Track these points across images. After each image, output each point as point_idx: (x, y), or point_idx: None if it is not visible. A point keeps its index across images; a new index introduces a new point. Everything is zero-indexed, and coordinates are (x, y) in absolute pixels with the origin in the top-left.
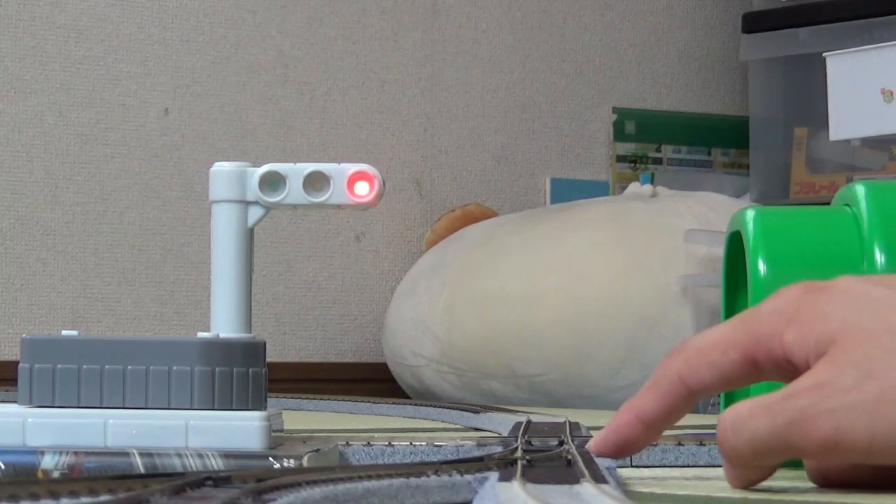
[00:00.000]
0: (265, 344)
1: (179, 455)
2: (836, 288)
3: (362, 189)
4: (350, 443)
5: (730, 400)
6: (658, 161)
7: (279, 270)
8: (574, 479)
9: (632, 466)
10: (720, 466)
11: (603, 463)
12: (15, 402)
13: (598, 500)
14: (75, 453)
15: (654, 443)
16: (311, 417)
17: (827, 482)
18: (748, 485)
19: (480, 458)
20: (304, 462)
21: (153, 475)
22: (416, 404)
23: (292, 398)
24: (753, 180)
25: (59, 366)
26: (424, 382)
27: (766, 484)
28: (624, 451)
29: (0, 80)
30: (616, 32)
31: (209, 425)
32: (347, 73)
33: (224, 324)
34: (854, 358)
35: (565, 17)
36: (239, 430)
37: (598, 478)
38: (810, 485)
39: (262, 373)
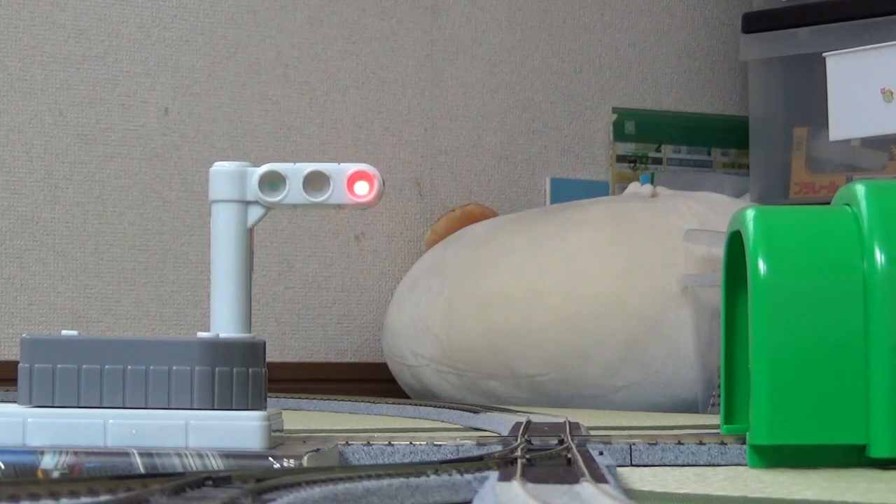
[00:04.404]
0: (265, 344)
1: (179, 455)
2: None
3: (362, 189)
4: (350, 442)
5: (730, 401)
6: (658, 161)
7: (279, 270)
8: (574, 478)
9: (631, 465)
10: (719, 466)
11: (603, 462)
12: (15, 402)
13: (597, 499)
14: (75, 453)
15: (654, 441)
16: (311, 417)
17: None
18: None
19: (480, 458)
20: (304, 462)
21: (153, 475)
22: (415, 404)
23: (292, 398)
24: (753, 180)
25: (58, 366)
26: (424, 382)
27: (765, 483)
28: None
29: (0, 80)
30: (616, 32)
31: (209, 425)
32: (347, 73)
33: (224, 324)
34: None
35: (565, 18)
36: (239, 429)
37: (598, 477)
38: (810, 485)
39: (262, 373)
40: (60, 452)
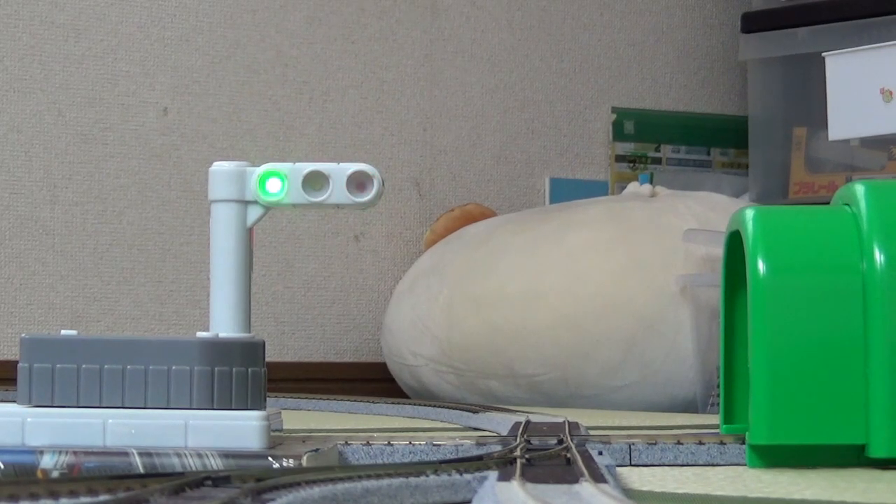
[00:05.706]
0: (264, 344)
1: (178, 455)
2: None
3: (362, 189)
4: (349, 442)
5: (729, 401)
6: (657, 161)
7: (279, 270)
8: (573, 478)
9: (631, 465)
10: (718, 465)
11: (602, 462)
12: (14, 401)
13: (597, 499)
14: (74, 453)
15: (653, 441)
16: (310, 417)
17: None
18: None
19: (479, 458)
20: (304, 462)
21: (152, 475)
22: (415, 404)
23: (292, 398)
24: (752, 180)
25: (58, 365)
26: (423, 382)
27: (764, 483)
28: None
29: (0, 79)
30: (615, 32)
31: (208, 425)
32: (346, 73)
33: (223, 323)
34: None
35: (564, 17)
36: (238, 429)
37: (598, 477)
38: (809, 485)
39: (262, 372)
40: (60, 452)
